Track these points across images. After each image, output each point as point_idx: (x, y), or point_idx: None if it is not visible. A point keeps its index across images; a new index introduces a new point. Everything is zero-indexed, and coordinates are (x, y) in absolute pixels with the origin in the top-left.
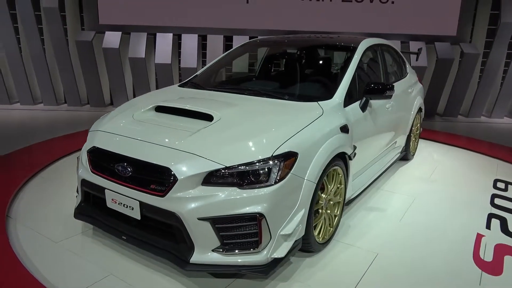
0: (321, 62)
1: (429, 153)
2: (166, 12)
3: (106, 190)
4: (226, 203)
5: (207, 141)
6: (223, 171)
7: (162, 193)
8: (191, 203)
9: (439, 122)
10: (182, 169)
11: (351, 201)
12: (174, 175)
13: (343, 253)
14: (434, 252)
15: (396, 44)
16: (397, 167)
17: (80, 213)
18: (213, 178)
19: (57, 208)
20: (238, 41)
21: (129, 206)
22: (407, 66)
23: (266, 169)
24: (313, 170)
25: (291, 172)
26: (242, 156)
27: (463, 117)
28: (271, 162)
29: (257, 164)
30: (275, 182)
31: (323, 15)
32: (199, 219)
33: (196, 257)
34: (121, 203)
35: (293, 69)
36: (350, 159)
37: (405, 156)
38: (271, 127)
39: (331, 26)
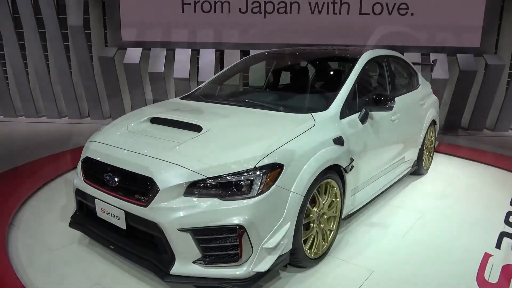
0: (320, 74)
1: (445, 167)
2: (185, 29)
3: (96, 199)
4: (207, 214)
5: (192, 152)
6: (204, 182)
7: (145, 203)
8: (172, 214)
9: (463, 136)
10: (164, 179)
11: (351, 215)
12: (156, 185)
13: (336, 269)
14: (434, 272)
15: (415, 57)
16: (408, 181)
17: (74, 222)
18: (195, 189)
19: (60, 218)
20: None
21: (116, 216)
22: (419, 77)
23: (249, 181)
24: (300, 183)
25: (275, 184)
26: (224, 167)
27: (489, 131)
28: (253, 174)
29: (239, 175)
30: (257, 194)
31: (341, 29)
32: (180, 230)
33: (177, 269)
34: (109, 213)
35: (294, 81)
36: (346, 172)
37: (418, 170)
38: (257, 138)
39: (349, 39)
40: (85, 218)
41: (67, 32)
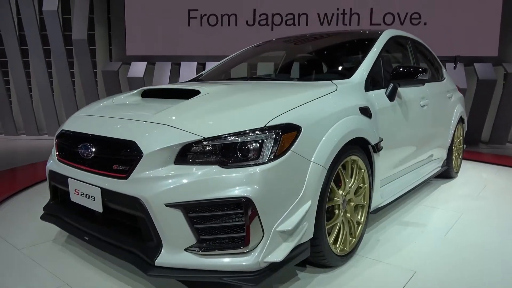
0: (341, 48)
1: (476, 172)
2: (191, 42)
3: (69, 179)
4: (202, 185)
5: (186, 113)
6: (201, 144)
7: (125, 174)
8: (157, 185)
9: (485, 150)
10: (148, 143)
11: (379, 210)
12: (139, 149)
13: (369, 270)
14: (489, 270)
15: None
16: (438, 184)
17: (47, 213)
18: (188, 155)
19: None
20: (262, 68)
21: (91, 196)
22: (444, 71)
23: (258, 143)
24: (322, 152)
25: (291, 149)
26: (226, 127)
27: None
28: (263, 134)
29: (245, 135)
30: (269, 160)
31: None
32: (168, 205)
33: (164, 258)
34: (83, 194)
35: (311, 58)
36: (375, 151)
37: (447, 172)
38: (268, 98)
39: None
40: (58, 207)
41: (72, 49)
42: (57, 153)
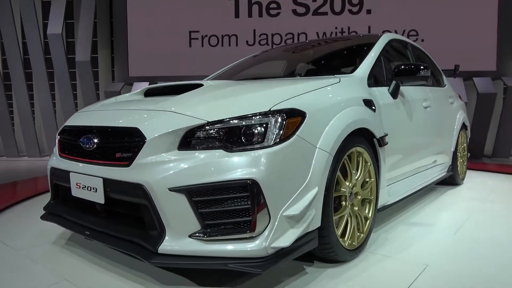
0: (342, 51)
1: (482, 179)
2: (192, 62)
3: (71, 173)
4: (207, 168)
5: (189, 101)
6: (205, 129)
7: (128, 161)
8: (161, 170)
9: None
10: (152, 128)
11: (386, 207)
12: (142, 135)
13: (379, 264)
14: (501, 266)
15: None
16: (444, 190)
17: (47, 213)
18: (192, 140)
19: (35, 223)
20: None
21: (93, 188)
22: (444, 78)
23: (262, 127)
24: (327, 139)
25: (296, 133)
26: (230, 111)
27: None
28: (268, 118)
29: (249, 119)
30: (274, 144)
31: None
32: (171, 189)
33: (167, 245)
34: (85, 186)
35: (314, 60)
36: (380, 145)
37: (453, 179)
38: (272, 87)
39: None
40: (59, 206)
41: (75, 71)
42: (59, 149)
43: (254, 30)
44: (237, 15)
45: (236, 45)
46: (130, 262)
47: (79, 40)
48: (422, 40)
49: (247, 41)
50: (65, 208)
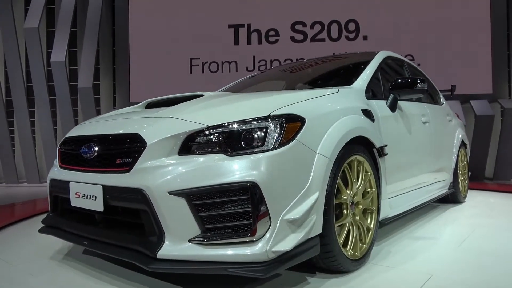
0: (339, 68)
1: (483, 198)
2: (192, 89)
3: (70, 183)
4: (206, 171)
5: (190, 107)
6: (205, 133)
7: (128, 167)
8: (161, 174)
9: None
10: (152, 133)
11: (388, 220)
12: (142, 140)
13: (383, 274)
14: (508, 275)
15: None
16: (446, 207)
17: (46, 226)
18: (193, 146)
19: (32, 240)
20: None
21: (92, 196)
22: (442, 97)
23: (262, 131)
24: (327, 145)
25: (296, 138)
26: (230, 117)
27: None
28: (268, 122)
29: (249, 124)
30: (274, 148)
31: None
32: (171, 193)
33: (167, 250)
34: (84, 195)
35: (313, 77)
36: (380, 155)
37: (455, 197)
38: (272, 95)
39: None
40: (57, 218)
41: (77, 98)
42: (60, 160)
43: (254, 57)
44: (236, 42)
45: (236, 71)
46: (127, 275)
47: (81, 67)
48: (419, 65)
49: (246, 67)
50: (63, 220)
